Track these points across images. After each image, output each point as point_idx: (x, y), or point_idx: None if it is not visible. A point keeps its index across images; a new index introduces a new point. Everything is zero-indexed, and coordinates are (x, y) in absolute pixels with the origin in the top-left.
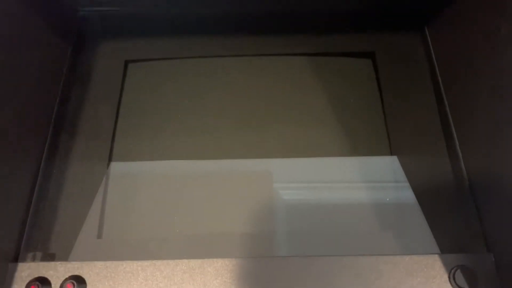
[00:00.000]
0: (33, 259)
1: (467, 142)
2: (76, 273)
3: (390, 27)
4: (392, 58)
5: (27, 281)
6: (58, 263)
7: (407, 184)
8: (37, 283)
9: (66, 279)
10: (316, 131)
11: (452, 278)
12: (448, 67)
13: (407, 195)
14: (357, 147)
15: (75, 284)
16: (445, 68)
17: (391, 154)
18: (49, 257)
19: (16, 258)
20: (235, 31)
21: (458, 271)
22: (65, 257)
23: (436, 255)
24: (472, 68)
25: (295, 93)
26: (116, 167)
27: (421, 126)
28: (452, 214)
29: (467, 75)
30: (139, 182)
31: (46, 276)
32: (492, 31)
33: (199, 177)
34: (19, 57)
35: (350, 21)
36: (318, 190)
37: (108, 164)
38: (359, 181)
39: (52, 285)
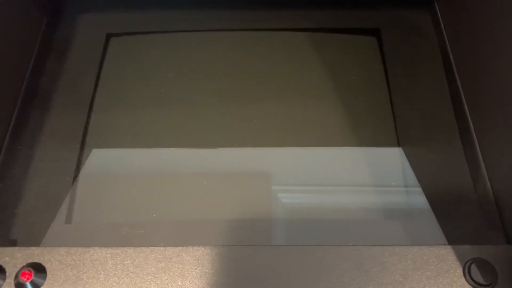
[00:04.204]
0: None
1: (484, 127)
2: (35, 260)
3: (397, 2)
4: (399, 35)
5: None
6: (15, 248)
7: (414, 176)
8: None
9: (23, 267)
10: (315, 117)
11: (467, 272)
12: (460, 45)
13: (415, 189)
14: (361, 135)
15: (33, 272)
16: (458, 46)
17: (398, 142)
18: (9, 243)
19: None
20: (228, 3)
21: (474, 264)
22: (28, 244)
23: (449, 247)
24: (488, 45)
25: (293, 74)
26: (96, 153)
27: (431, 111)
28: (466, 206)
29: (483, 53)
30: (118, 169)
31: (0, 263)
32: (509, 2)
33: (182, 167)
34: None
35: None
36: (317, 184)
37: (82, 144)
38: (362, 174)
39: (7, 273)
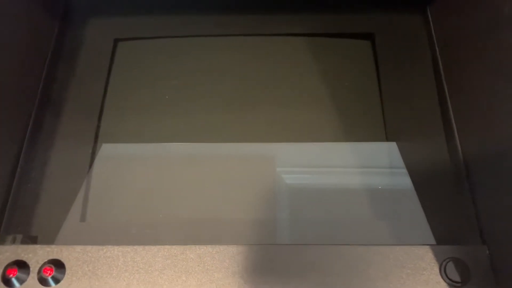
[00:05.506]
0: (13, 241)
1: (465, 128)
2: (55, 257)
3: (391, 7)
4: (392, 40)
5: (5, 264)
6: (37, 246)
7: (404, 171)
8: (15, 266)
9: (44, 263)
10: (311, 114)
11: (443, 270)
12: (449, 50)
13: (404, 182)
14: (352, 132)
15: (54, 268)
16: (446, 51)
17: (387, 139)
18: (31, 240)
19: None
20: (229, 9)
21: (450, 263)
22: (48, 240)
23: (428, 246)
24: (473, 51)
25: (290, 75)
26: (106, 148)
27: (419, 111)
28: (448, 204)
29: (468, 58)
30: (128, 164)
31: (24, 259)
32: (495, 12)
33: (190, 160)
34: (1, 31)
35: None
36: (312, 177)
37: (94, 146)
38: (354, 168)
39: (31, 269)
